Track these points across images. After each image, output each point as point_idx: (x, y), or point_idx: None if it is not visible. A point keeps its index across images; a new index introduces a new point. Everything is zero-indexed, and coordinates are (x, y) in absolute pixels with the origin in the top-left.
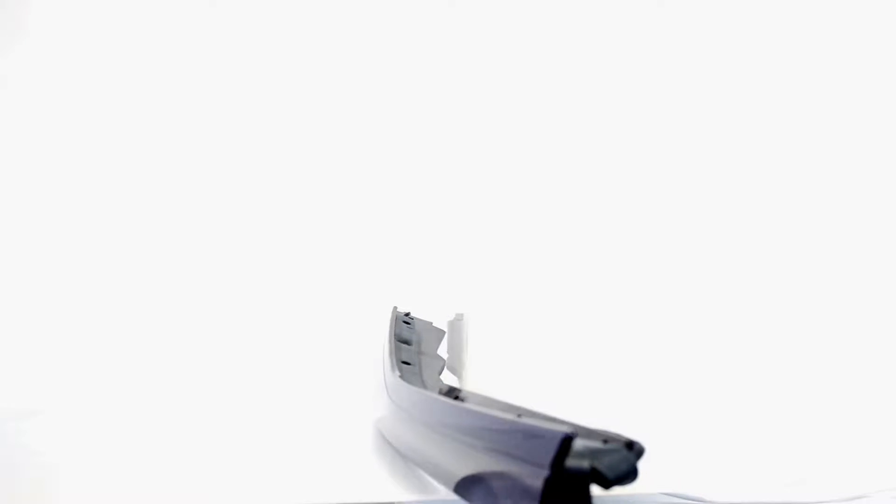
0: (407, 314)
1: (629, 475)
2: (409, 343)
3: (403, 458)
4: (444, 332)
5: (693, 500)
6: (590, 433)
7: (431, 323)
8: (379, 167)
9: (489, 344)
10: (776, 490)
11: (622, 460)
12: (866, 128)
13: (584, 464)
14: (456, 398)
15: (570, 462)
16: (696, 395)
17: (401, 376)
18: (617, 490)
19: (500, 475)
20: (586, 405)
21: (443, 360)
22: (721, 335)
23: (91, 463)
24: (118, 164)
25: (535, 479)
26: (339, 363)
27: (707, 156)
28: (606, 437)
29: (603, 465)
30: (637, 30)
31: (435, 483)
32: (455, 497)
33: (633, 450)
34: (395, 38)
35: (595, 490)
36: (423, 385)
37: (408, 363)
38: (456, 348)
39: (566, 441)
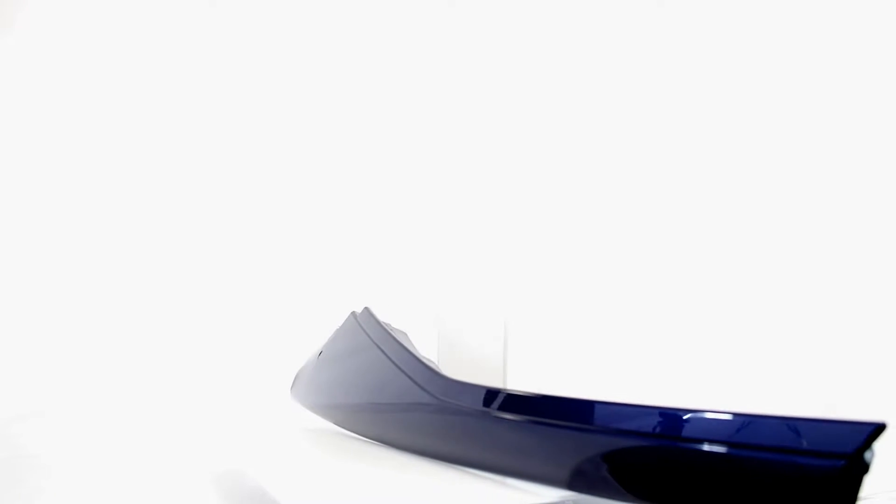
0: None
1: (871, 461)
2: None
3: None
4: (405, 334)
5: None
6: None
7: (391, 324)
8: (355, 169)
9: (528, 345)
10: None
11: (870, 448)
12: (866, 128)
13: (868, 454)
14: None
15: (866, 452)
16: (699, 392)
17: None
18: None
19: (761, 476)
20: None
21: (433, 362)
22: (727, 334)
23: (90, 463)
24: (113, 170)
25: (822, 470)
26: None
27: (714, 156)
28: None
29: (867, 453)
30: (637, 29)
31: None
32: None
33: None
34: (394, 39)
35: None
36: None
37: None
38: (446, 350)
39: (876, 431)
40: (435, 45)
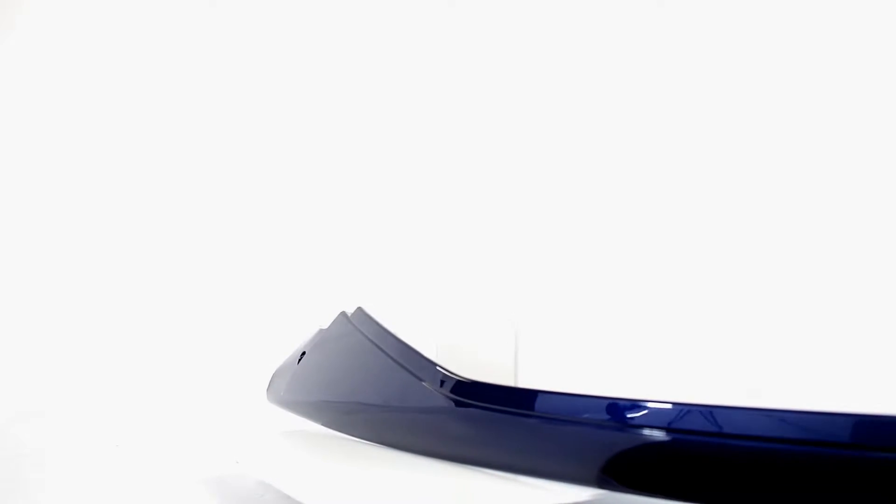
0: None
1: None
2: None
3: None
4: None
5: None
6: None
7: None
8: (352, 167)
9: (539, 349)
10: None
11: None
12: (866, 128)
13: None
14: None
15: None
16: (722, 393)
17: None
18: None
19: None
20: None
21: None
22: (725, 336)
23: (91, 463)
24: (111, 171)
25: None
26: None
27: (716, 156)
28: None
29: None
30: (637, 29)
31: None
32: None
33: None
34: (394, 38)
35: None
36: None
37: None
38: (445, 354)
39: None
40: (436, 44)
